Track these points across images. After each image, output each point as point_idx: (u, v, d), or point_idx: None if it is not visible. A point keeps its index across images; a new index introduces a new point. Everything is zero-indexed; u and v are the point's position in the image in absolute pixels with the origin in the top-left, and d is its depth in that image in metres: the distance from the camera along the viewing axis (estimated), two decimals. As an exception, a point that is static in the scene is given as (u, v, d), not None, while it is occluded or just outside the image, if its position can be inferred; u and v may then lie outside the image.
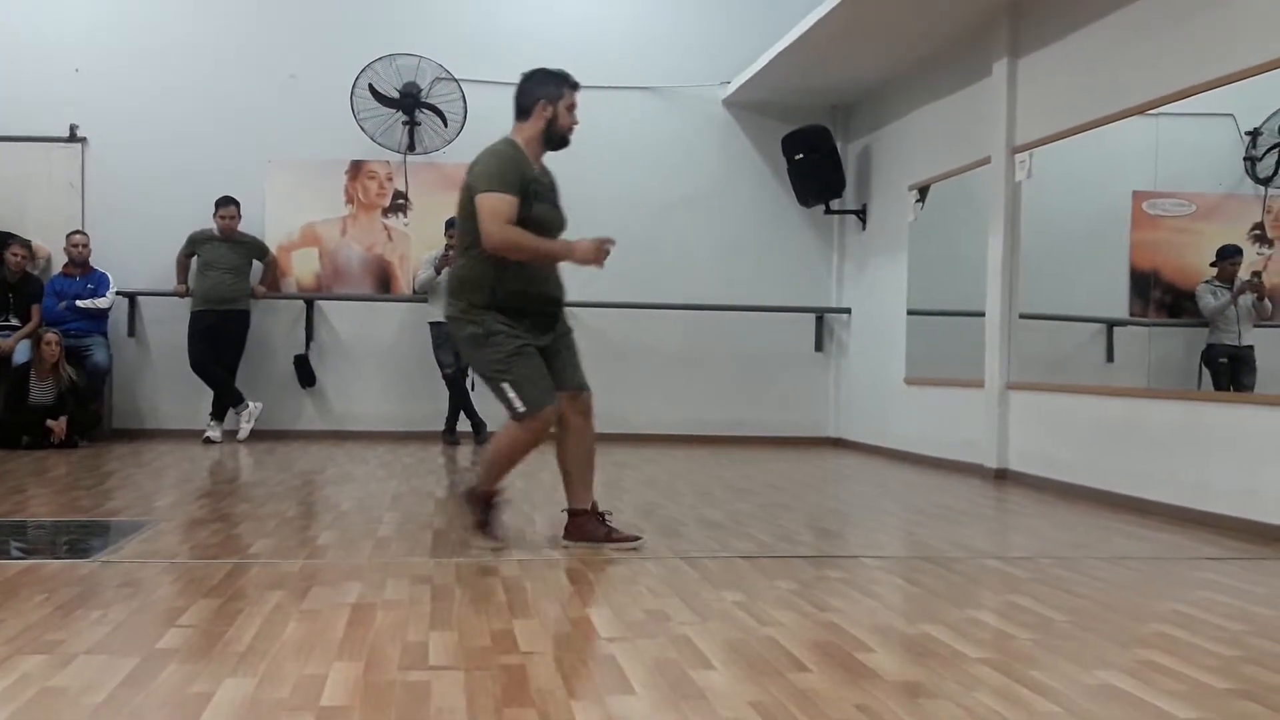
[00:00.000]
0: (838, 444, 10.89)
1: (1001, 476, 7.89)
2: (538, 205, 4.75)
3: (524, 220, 4.66)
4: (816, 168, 10.36)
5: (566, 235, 5.01)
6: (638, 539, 4.90)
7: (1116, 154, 7.26)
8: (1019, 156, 7.91)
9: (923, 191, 9.42)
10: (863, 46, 9.17)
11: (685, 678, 2.92)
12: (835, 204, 10.68)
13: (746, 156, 11.07)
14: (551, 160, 4.98)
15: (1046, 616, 3.71)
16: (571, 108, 4.91)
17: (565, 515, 4.92)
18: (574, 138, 4.97)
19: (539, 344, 4.78)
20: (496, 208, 4.59)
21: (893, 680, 2.94)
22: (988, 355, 8.13)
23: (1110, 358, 7.41)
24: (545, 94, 4.84)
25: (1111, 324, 7.43)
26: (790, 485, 7.74)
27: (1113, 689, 2.91)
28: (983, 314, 8.21)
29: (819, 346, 11.17)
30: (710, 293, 10.87)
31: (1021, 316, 7.98)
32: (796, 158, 10.44)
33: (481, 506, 4.87)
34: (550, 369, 4.80)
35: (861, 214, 10.69)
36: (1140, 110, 6.72)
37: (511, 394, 4.63)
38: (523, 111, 4.88)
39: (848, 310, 11.00)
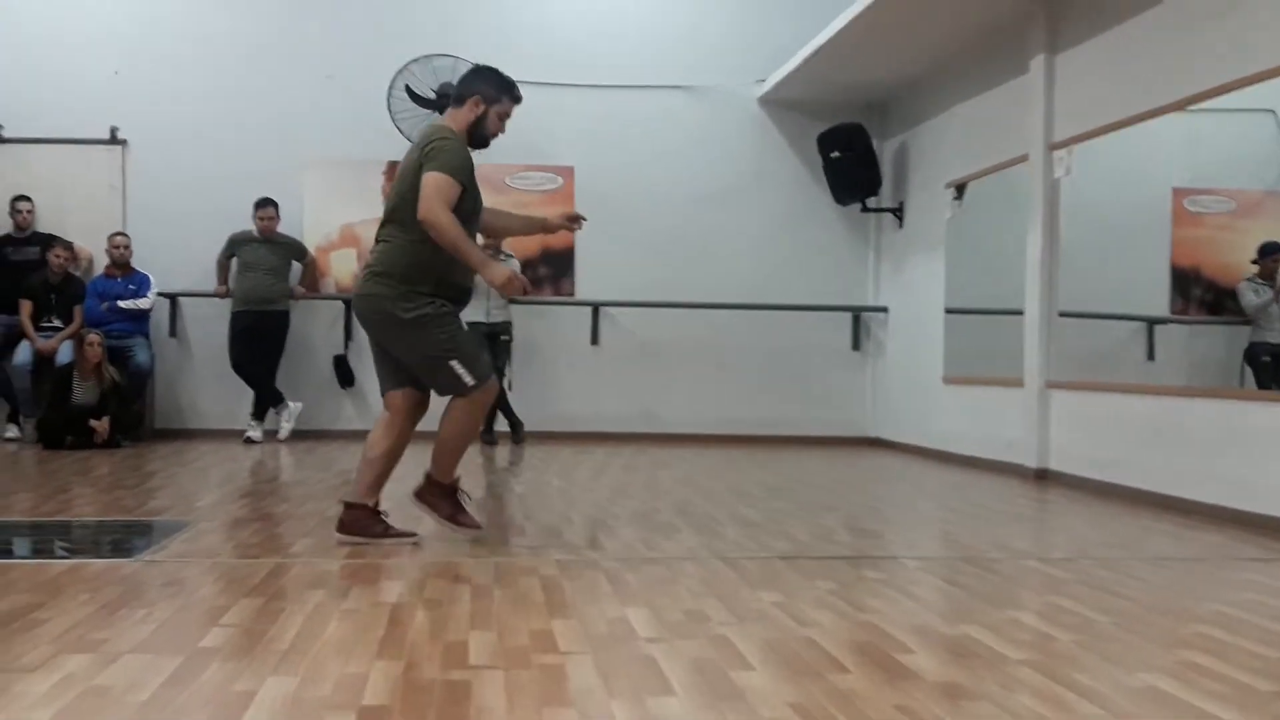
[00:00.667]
0: (875, 443, 10.85)
1: (1041, 476, 7.84)
2: (474, 192, 4.81)
3: (462, 206, 4.68)
4: (852, 165, 10.33)
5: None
6: (414, 535, 4.87)
7: (1156, 150, 7.20)
8: (1057, 153, 7.86)
9: (960, 189, 9.38)
10: (898, 43, 9.14)
11: (724, 678, 2.92)
12: (872, 202, 10.65)
13: (782, 155, 11.05)
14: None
15: (1088, 617, 3.69)
16: (503, 116, 4.93)
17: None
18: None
19: None
20: (443, 188, 4.58)
21: (933, 681, 2.93)
22: (1027, 354, 8.08)
23: (1151, 356, 7.35)
24: (483, 93, 4.87)
25: (1152, 322, 7.37)
26: (828, 485, 7.72)
27: (1155, 691, 2.89)
28: (1022, 312, 8.15)
29: (856, 345, 11.13)
30: (746, 292, 10.86)
31: (1061, 314, 7.92)
32: (832, 155, 10.41)
33: (448, 499, 4.85)
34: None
35: (898, 212, 10.65)
36: (1179, 106, 6.65)
37: (460, 369, 4.66)
38: (458, 100, 4.91)
39: (885, 309, 10.96)
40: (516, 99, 4.95)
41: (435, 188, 4.57)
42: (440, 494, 4.85)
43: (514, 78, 4.99)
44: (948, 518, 6.41)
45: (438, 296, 4.69)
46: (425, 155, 4.65)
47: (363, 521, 4.82)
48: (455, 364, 4.65)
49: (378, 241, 4.83)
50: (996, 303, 8.88)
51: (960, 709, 2.70)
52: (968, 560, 4.75)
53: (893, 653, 3.19)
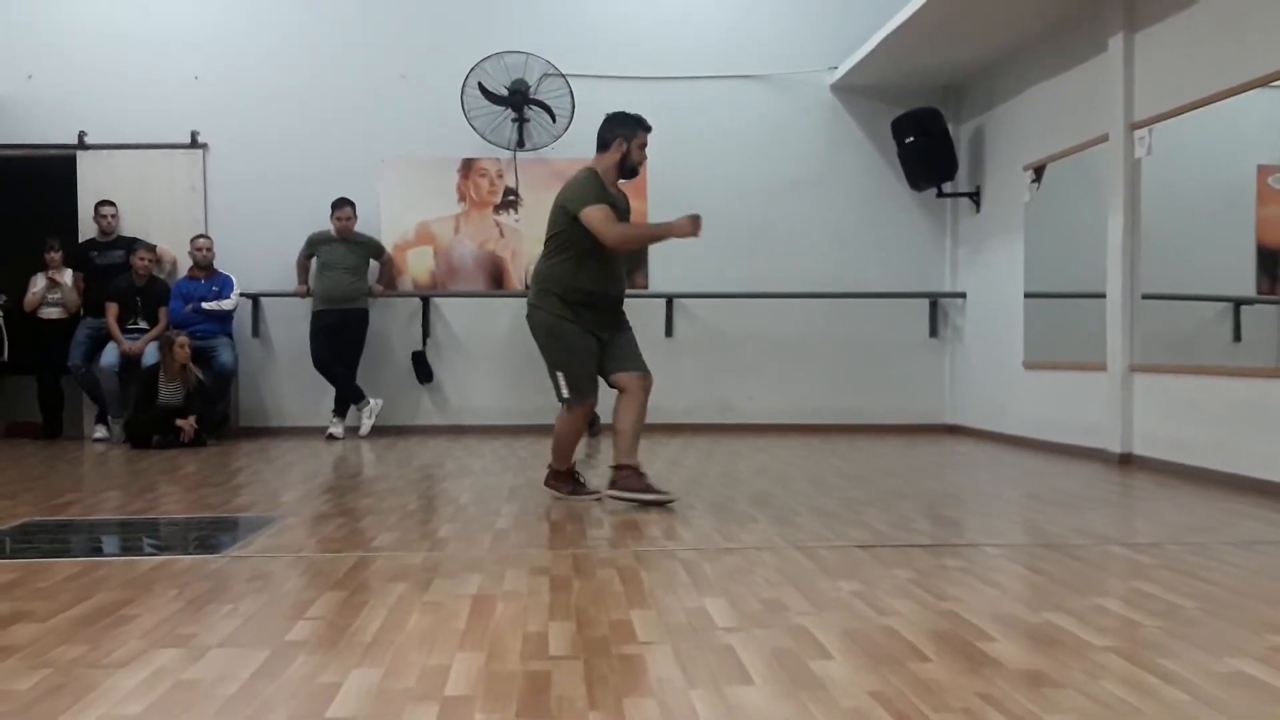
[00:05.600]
0: (953, 430, 10.75)
1: (1126, 461, 7.72)
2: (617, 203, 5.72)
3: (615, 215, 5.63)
4: (928, 150, 10.22)
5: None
6: (669, 496, 5.77)
7: (1239, 127, 7.05)
8: (1138, 133, 7.72)
9: (1038, 171, 9.25)
10: (973, 26, 9.02)
11: (804, 668, 2.91)
12: (948, 187, 10.53)
13: (855, 141, 10.97)
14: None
15: (1174, 603, 3.63)
16: (642, 145, 5.82)
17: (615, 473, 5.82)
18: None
19: (600, 335, 5.73)
20: (601, 216, 5.55)
21: (1016, 669, 2.90)
22: (1109, 337, 7.96)
23: (1238, 337, 7.20)
24: (622, 133, 5.78)
25: (1238, 302, 7.22)
26: (906, 473, 7.66)
27: (1244, 676, 2.84)
28: (1103, 295, 8.03)
29: (933, 332, 11.02)
30: (821, 281, 10.80)
31: (1144, 297, 7.79)
32: (907, 141, 10.31)
33: (567, 481, 6.02)
34: (616, 355, 5.77)
35: (975, 196, 10.53)
36: (1263, 82, 6.51)
37: (562, 383, 5.71)
38: (603, 145, 5.82)
39: (963, 295, 10.84)
40: (648, 129, 5.84)
41: (599, 220, 5.54)
42: (562, 480, 6.01)
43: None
44: (1029, 504, 6.33)
45: (567, 303, 5.65)
46: (565, 201, 5.64)
47: (628, 481, 5.73)
48: (560, 376, 5.69)
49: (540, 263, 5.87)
50: (1077, 286, 8.75)
51: (1044, 697, 2.67)
52: (1050, 547, 4.69)
53: (974, 641, 3.16)
